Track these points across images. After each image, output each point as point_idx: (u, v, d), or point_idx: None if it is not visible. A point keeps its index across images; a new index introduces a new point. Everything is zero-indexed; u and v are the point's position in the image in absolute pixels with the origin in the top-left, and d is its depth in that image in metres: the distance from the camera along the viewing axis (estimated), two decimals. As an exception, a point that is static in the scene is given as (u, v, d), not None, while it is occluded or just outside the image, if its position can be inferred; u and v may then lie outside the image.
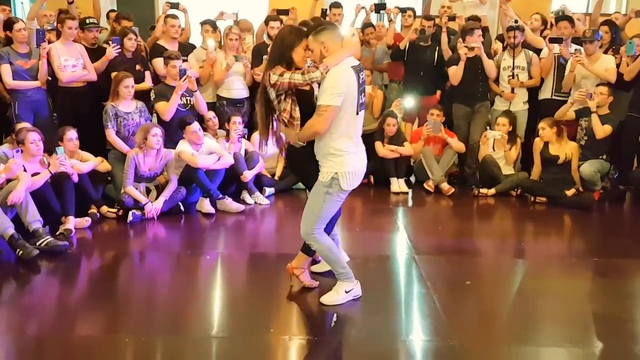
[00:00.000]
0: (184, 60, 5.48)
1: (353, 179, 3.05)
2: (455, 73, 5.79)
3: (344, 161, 3.00)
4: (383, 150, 5.78)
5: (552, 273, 3.90)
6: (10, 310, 3.26)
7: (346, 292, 3.25)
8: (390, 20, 6.58)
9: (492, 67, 5.78)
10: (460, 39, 5.77)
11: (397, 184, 5.70)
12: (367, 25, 6.60)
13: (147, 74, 5.61)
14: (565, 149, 5.39)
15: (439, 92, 6.25)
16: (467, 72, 5.75)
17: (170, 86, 5.22)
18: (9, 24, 5.20)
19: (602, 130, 5.33)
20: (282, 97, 3.06)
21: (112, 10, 6.75)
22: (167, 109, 5.13)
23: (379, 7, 6.71)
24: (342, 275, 3.26)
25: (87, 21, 5.58)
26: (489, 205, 5.42)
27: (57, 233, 4.23)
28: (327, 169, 3.04)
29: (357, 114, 3.04)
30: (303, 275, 3.43)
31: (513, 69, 5.77)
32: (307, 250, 3.37)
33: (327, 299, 3.25)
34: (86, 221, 4.51)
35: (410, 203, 5.52)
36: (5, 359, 2.76)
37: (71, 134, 4.68)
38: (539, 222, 5.06)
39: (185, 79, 5.04)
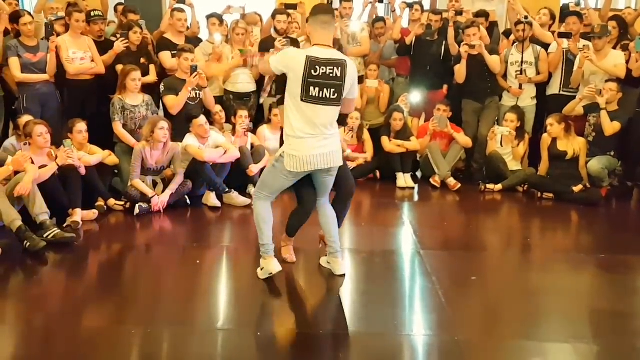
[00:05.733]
0: None
1: (296, 163, 3.20)
2: (459, 71, 5.79)
3: (290, 144, 3.22)
4: (389, 145, 5.77)
5: (557, 269, 3.88)
6: (18, 301, 3.29)
7: (260, 269, 3.44)
8: (393, 11, 6.55)
9: (496, 64, 5.75)
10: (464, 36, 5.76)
11: (404, 179, 5.69)
12: (378, 19, 6.58)
13: (152, 67, 5.62)
14: (573, 145, 5.37)
15: (445, 87, 6.22)
16: (474, 69, 5.73)
17: (181, 80, 5.20)
18: (15, 17, 5.21)
19: (611, 127, 5.30)
20: None
21: (120, 4, 6.76)
22: (176, 103, 5.13)
23: None
24: (261, 248, 3.44)
25: (92, 14, 5.58)
26: (495, 201, 5.41)
27: (65, 225, 4.25)
28: (282, 148, 3.32)
29: (303, 101, 3.12)
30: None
31: (521, 64, 5.74)
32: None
33: (258, 272, 3.48)
34: (93, 214, 4.53)
35: (416, 198, 5.51)
36: (13, 349, 2.78)
37: (81, 126, 4.70)
38: (546, 218, 5.05)
39: (195, 76, 5.04)
